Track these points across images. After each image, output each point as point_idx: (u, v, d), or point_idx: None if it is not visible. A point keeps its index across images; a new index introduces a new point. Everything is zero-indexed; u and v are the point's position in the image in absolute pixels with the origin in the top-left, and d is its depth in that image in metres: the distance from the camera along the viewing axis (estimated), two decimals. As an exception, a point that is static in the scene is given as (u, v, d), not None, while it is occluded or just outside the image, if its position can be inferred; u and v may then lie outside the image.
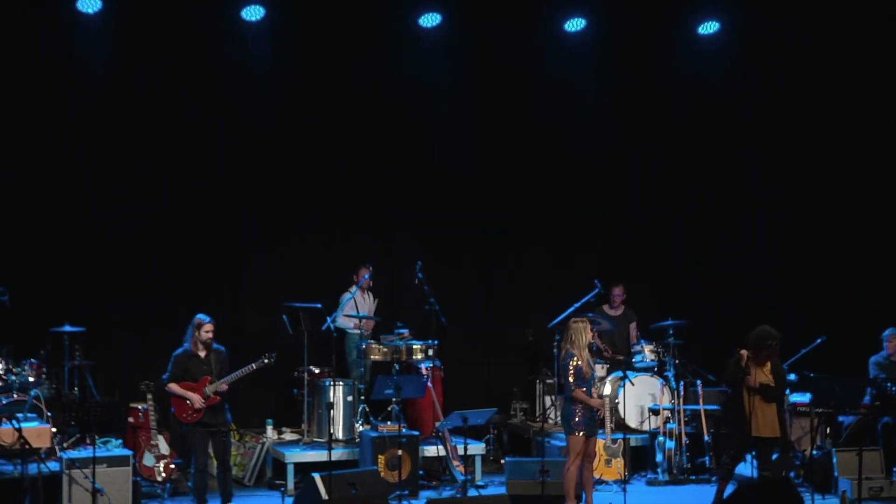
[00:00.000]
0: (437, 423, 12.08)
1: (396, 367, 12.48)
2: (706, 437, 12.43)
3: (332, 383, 12.26)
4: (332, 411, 11.99)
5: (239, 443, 12.40)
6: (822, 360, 12.68)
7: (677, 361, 13.06)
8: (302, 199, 13.55)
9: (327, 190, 13.61)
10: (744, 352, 10.34)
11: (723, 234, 14.71)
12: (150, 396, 11.27)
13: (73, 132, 12.65)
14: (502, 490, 11.28)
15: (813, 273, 14.30)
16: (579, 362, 10.37)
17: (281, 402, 13.03)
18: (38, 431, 10.33)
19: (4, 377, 11.21)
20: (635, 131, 14.48)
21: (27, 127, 12.44)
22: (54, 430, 10.95)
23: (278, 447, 12.14)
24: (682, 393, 12.52)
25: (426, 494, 11.48)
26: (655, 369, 13.21)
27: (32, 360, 11.44)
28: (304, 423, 12.46)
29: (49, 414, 10.95)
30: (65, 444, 11.26)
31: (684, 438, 12.45)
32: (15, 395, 11.04)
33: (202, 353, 10.70)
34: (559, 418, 12.34)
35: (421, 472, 11.88)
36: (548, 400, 13.57)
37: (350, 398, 12.39)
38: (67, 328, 11.77)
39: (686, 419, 12.52)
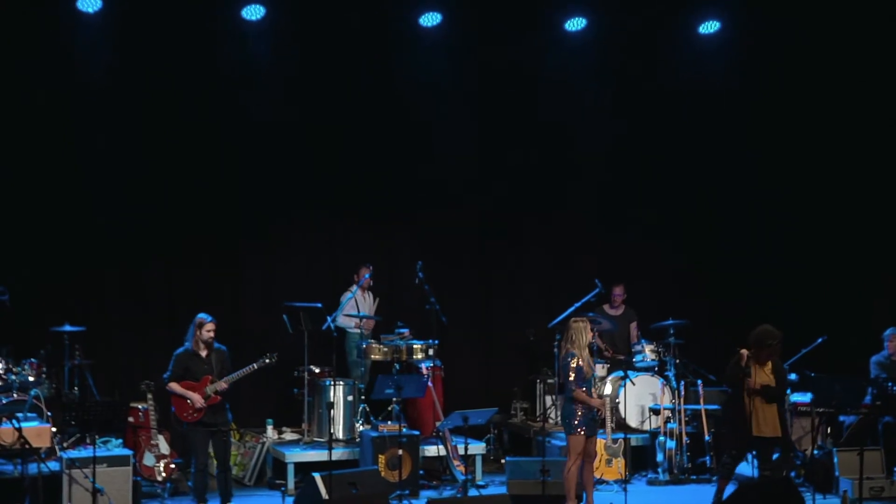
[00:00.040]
0: (438, 423, 12.06)
1: (397, 366, 12.48)
2: (707, 437, 12.42)
3: (332, 383, 12.25)
4: (332, 411, 11.96)
5: (239, 442, 12.40)
6: (823, 359, 12.68)
7: (678, 361, 13.05)
8: (302, 198, 13.55)
9: (327, 190, 13.61)
10: (744, 351, 10.34)
11: (723, 234, 14.70)
12: (150, 396, 11.30)
13: (73, 132, 12.64)
14: (503, 490, 11.27)
15: (813, 273, 14.29)
16: (580, 362, 10.36)
17: (281, 401, 13.03)
18: (38, 431, 10.31)
19: (4, 377, 11.20)
20: (635, 131, 14.47)
21: (27, 127, 12.43)
22: (54, 429, 10.93)
23: (278, 447, 12.13)
24: (682, 392, 12.52)
25: (427, 494, 11.47)
26: (656, 369, 13.21)
27: (32, 359, 11.44)
28: (305, 422, 12.45)
29: (49, 413, 10.94)
30: (65, 444, 11.25)
31: (685, 438, 12.44)
32: (15, 395, 11.04)
33: (203, 353, 10.70)
34: (559, 418, 12.31)
35: (421, 471, 11.86)
36: (548, 400, 13.56)
37: (350, 398, 12.38)
38: (67, 328, 11.76)
39: (687, 419, 12.51)
